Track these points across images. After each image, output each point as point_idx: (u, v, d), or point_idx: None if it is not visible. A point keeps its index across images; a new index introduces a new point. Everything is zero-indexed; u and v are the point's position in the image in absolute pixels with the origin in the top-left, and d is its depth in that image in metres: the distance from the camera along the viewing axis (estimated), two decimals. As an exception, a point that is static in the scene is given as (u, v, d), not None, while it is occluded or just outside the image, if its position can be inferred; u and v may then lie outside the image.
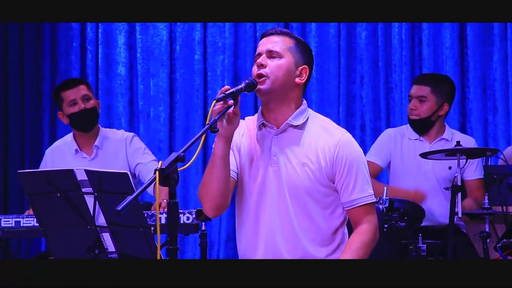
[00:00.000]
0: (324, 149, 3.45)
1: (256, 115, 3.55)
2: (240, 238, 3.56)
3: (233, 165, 3.49)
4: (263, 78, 3.41)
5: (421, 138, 5.40)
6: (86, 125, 5.20)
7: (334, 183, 3.47)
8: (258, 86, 3.41)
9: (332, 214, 3.49)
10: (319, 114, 3.57)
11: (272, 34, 3.50)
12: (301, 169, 3.44)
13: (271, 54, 3.45)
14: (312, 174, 3.44)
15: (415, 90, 5.37)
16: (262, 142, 3.49)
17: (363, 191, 3.47)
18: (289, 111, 3.47)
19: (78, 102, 5.15)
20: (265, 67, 3.42)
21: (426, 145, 5.37)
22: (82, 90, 5.17)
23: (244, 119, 3.57)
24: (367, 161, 5.35)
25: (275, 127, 3.48)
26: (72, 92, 5.16)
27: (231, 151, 3.46)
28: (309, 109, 3.54)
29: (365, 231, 3.46)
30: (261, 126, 3.50)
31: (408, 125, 5.49)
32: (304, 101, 3.53)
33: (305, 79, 3.49)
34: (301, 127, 3.48)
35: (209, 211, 3.49)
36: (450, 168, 5.06)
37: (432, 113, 5.35)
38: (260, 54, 3.47)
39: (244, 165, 3.51)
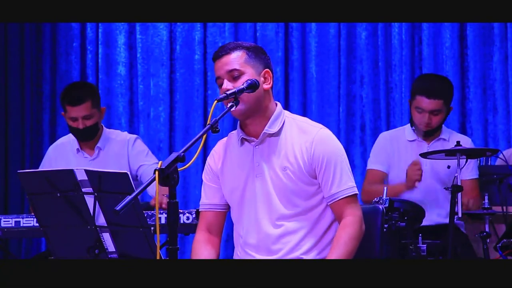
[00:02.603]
0: (301, 149, 3.48)
1: (234, 132, 3.59)
2: (237, 246, 3.63)
3: (219, 201, 3.60)
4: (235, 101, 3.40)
5: (419, 138, 5.39)
6: (84, 139, 5.22)
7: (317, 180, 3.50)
8: (234, 109, 3.40)
9: (323, 211, 3.52)
10: (296, 115, 3.61)
11: (223, 55, 3.47)
12: (283, 173, 3.47)
13: (231, 74, 3.44)
14: (294, 176, 3.47)
15: (429, 104, 5.22)
16: (245, 155, 3.54)
17: (342, 185, 3.48)
18: (265, 119, 3.50)
19: (78, 120, 5.14)
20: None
21: (425, 146, 5.36)
22: (85, 109, 5.13)
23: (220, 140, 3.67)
24: (370, 170, 5.42)
25: (255, 138, 3.51)
26: (75, 110, 5.13)
27: (214, 188, 3.59)
28: (285, 111, 3.57)
29: (349, 223, 3.46)
30: (242, 140, 3.54)
31: (406, 127, 5.47)
32: (278, 104, 3.56)
33: (271, 82, 3.51)
34: (278, 133, 3.50)
35: None
36: (449, 167, 5.06)
37: (444, 120, 5.34)
38: (220, 78, 3.46)
39: (232, 181, 3.56)
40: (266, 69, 3.49)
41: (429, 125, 5.28)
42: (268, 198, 3.49)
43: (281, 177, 3.47)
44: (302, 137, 3.49)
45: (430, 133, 5.34)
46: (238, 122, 3.55)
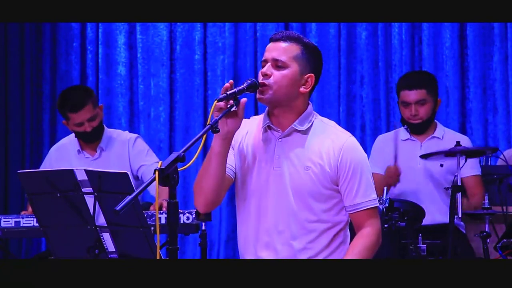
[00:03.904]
0: (328, 153, 3.43)
1: (262, 115, 3.52)
2: (240, 239, 3.56)
3: (231, 163, 3.47)
4: (265, 88, 3.38)
5: (412, 137, 5.39)
6: (93, 140, 5.22)
7: (338, 186, 3.46)
8: (260, 95, 3.39)
9: (336, 216, 3.49)
10: (324, 118, 3.55)
11: (279, 40, 3.44)
12: (304, 173, 3.42)
13: (276, 63, 3.39)
14: (315, 177, 3.42)
15: (413, 95, 5.26)
16: (266, 144, 3.48)
17: (366, 196, 3.46)
18: (294, 116, 3.45)
19: (84, 124, 5.14)
20: (270, 76, 3.38)
21: (418, 144, 5.36)
22: (88, 112, 5.12)
23: (249, 118, 3.57)
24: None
25: (280, 130, 3.46)
26: (79, 116, 5.12)
27: (230, 149, 3.44)
28: (315, 113, 3.52)
29: (368, 234, 3.45)
30: (267, 128, 3.48)
31: (400, 129, 5.47)
32: (310, 105, 3.50)
33: (310, 87, 3.44)
34: (306, 131, 3.46)
35: (200, 206, 3.51)
36: (441, 165, 5.06)
37: (432, 112, 5.34)
38: (266, 61, 3.42)
39: (246, 165, 3.50)
40: (311, 74, 3.44)
41: (417, 117, 5.29)
42: (282, 193, 3.43)
43: (302, 175, 3.42)
44: (330, 141, 3.45)
45: (421, 127, 5.33)
46: (266, 108, 3.49)
